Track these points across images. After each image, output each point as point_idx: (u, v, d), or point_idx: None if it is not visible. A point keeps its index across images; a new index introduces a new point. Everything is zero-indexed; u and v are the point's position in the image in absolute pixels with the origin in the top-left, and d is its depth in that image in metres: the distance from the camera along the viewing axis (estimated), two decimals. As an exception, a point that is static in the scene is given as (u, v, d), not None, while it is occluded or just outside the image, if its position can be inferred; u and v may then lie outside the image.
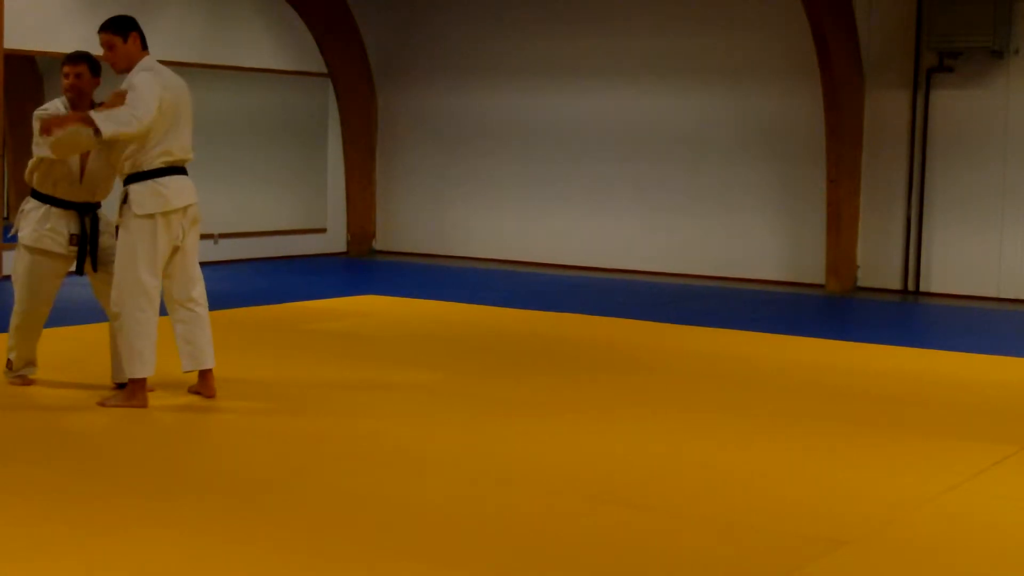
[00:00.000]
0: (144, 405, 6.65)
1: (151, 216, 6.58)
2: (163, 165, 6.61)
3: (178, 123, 6.67)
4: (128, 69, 6.66)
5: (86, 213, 6.92)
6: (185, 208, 6.70)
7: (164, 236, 6.63)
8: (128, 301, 6.60)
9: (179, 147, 6.68)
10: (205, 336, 6.87)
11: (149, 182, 6.58)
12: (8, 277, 12.07)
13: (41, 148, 6.69)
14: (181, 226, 6.70)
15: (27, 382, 7.09)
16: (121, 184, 6.70)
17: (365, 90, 15.58)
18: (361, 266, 14.69)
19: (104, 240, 6.92)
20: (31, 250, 6.88)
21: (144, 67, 6.63)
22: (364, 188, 15.73)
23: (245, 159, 14.80)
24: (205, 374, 6.91)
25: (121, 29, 6.66)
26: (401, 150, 15.67)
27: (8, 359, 7.08)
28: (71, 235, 6.88)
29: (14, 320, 7.02)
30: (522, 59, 14.70)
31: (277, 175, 15.28)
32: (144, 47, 6.71)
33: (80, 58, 6.85)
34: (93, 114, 6.36)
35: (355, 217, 15.72)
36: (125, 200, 6.60)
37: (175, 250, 6.74)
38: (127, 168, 6.60)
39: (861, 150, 12.73)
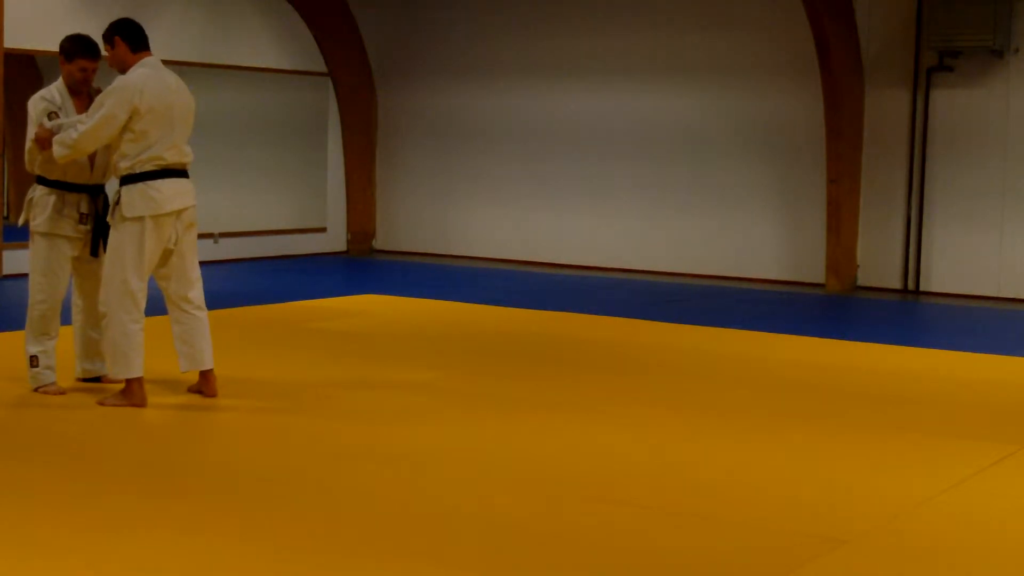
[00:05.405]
0: (143, 404, 6.65)
1: (140, 219, 6.56)
2: (155, 168, 6.59)
3: (172, 127, 6.62)
4: (124, 70, 6.66)
5: (96, 195, 6.94)
6: (179, 212, 6.67)
7: (153, 239, 6.60)
8: (114, 302, 6.60)
9: (172, 152, 6.63)
10: (203, 338, 6.86)
11: (140, 185, 6.56)
12: (8, 277, 12.07)
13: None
14: (174, 229, 6.68)
15: (59, 391, 6.92)
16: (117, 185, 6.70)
17: (365, 90, 15.58)
18: (361, 266, 14.69)
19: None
20: (48, 235, 6.84)
21: (139, 66, 6.63)
22: (364, 188, 15.73)
23: (245, 159, 14.80)
24: (206, 373, 6.91)
25: (107, 36, 6.71)
26: (401, 150, 15.68)
27: (33, 356, 6.90)
28: (81, 214, 6.87)
29: (35, 311, 6.88)
30: (522, 59, 14.70)
31: (277, 175, 15.27)
32: (138, 47, 6.67)
33: (98, 54, 6.88)
34: (54, 138, 6.57)
35: (355, 217, 15.72)
36: (117, 201, 6.60)
37: (168, 252, 6.74)
38: (121, 170, 6.60)
39: (861, 150, 12.73)
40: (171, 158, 6.64)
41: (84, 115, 6.63)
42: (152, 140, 6.56)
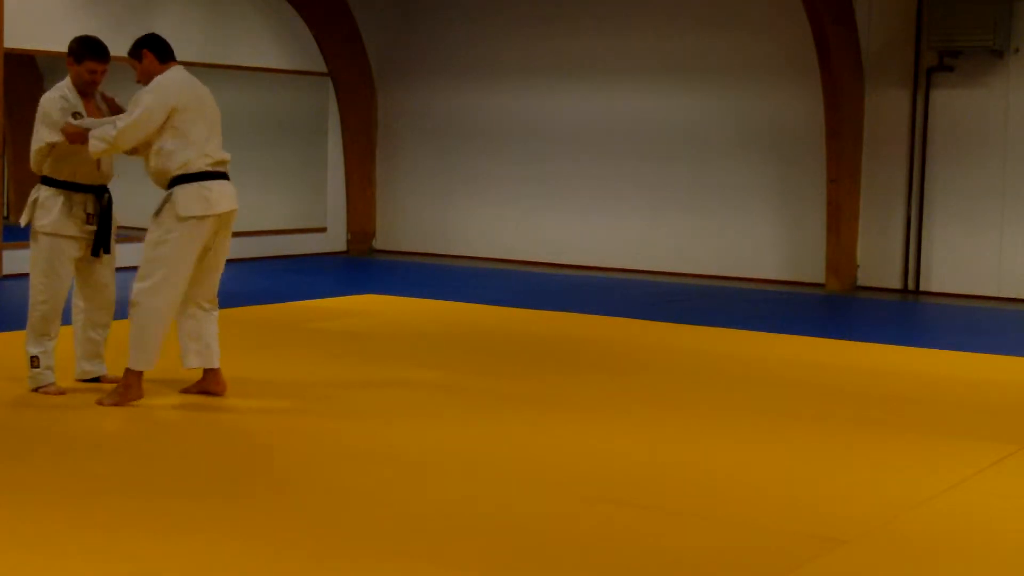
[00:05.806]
0: (140, 396, 6.70)
1: (192, 219, 6.61)
2: (208, 167, 6.70)
3: (213, 127, 6.79)
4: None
5: (101, 195, 6.95)
6: (227, 214, 6.78)
7: (199, 239, 6.69)
8: (149, 294, 6.62)
9: (215, 149, 6.77)
10: (214, 335, 6.93)
11: (195, 185, 6.64)
12: (8, 277, 12.08)
13: (52, 135, 6.74)
14: (216, 230, 6.77)
15: (59, 391, 6.91)
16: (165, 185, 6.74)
17: (365, 90, 15.58)
18: (361, 265, 14.69)
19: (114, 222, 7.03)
20: (52, 235, 6.84)
21: (170, 72, 6.73)
22: (364, 188, 15.73)
23: (245, 159, 14.74)
24: (215, 371, 6.95)
25: (134, 51, 6.81)
26: (401, 150, 15.68)
27: (34, 357, 6.89)
28: (88, 215, 6.88)
29: (36, 312, 6.88)
30: (522, 59, 14.70)
31: (277, 175, 15.27)
32: (165, 59, 6.78)
33: (108, 56, 6.92)
34: (91, 133, 6.60)
35: (355, 217, 15.72)
36: (167, 200, 6.63)
37: (206, 251, 6.81)
38: (174, 171, 6.63)
39: (861, 150, 12.73)
40: (216, 155, 6.78)
41: (123, 114, 6.71)
42: (195, 137, 6.67)
